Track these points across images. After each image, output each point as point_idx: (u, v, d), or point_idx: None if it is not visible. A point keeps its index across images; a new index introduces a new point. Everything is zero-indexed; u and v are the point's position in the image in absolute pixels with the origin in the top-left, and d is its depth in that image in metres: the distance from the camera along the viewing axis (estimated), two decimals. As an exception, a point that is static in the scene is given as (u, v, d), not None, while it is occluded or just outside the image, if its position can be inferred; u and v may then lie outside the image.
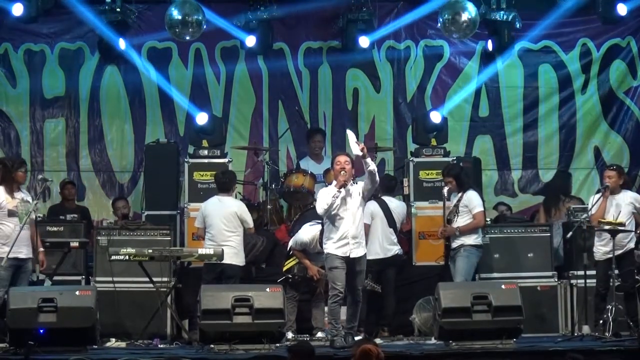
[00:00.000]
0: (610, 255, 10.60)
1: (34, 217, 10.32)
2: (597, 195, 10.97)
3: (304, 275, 11.20)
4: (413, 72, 14.63)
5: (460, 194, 11.27)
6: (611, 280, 10.58)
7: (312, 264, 11.11)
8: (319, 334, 11.17)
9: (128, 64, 14.09)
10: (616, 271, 10.63)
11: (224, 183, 11.51)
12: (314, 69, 14.59)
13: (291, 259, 11.28)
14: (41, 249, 10.41)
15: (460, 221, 11.23)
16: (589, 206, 10.98)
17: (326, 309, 10.62)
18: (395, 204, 12.00)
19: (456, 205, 11.24)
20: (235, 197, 11.97)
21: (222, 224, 11.22)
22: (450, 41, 14.30)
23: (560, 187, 13.43)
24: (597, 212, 10.81)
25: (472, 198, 11.29)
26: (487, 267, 11.67)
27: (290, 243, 11.32)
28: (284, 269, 11.28)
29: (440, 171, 11.99)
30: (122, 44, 13.47)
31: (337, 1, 13.73)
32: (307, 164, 13.12)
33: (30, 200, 10.35)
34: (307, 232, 11.13)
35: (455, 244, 11.20)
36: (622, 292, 10.72)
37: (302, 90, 14.61)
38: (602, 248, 10.80)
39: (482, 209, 11.32)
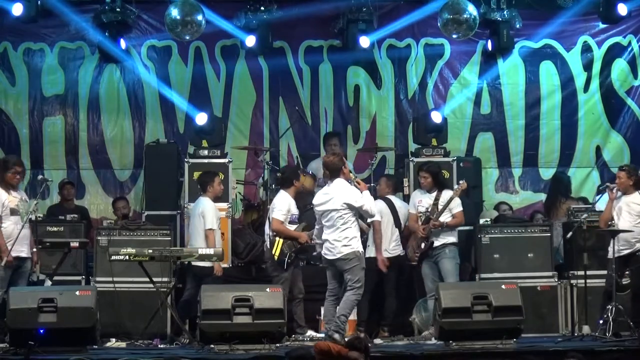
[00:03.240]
0: (618, 255, 10.59)
1: (33, 216, 10.32)
2: (605, 196, 11.04)
3: (296, 249, 11.15)
4: (414, 70, 14.60)
5: (435, 194, 11.26)
6: (614, 280, 10.57)
7: (297, 232, 11.15)
8: (310, 332, 11.11)
9: (128, 63, 14.08)
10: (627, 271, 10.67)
11: (200, 184, 11.62)
12: (314, 66, 14.55)
13: (276, 244, 11.16)
14: (34, 249, 10.44)
15: (441, 219, 11.20)
16: (597, 208, 11.04)
17: (322, 309, 10.65)
18: (400, 204, 12.00)
19: (435, 204, 11.21)
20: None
21: (192, 225, 11.37)
22: (450, 39, 14.26)
23: (558, 189, 13.40)
24: (604, 215, 10.88)
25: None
26: (487, 267, 11.67)
27: (273, 223, 11.20)
28: (276, 255, 11.14)
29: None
30: (122, 44, 13.48)
31: (337, 1, 13.69)
32: (320, 164, 13.04)
33: (28, 200, 10.33)
34: (281, 201, 11.21)
35: (438, 242, 11.17)
36: (627, 290, 10.70)
37: (303, 87, 14.57)
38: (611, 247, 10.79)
39: (462, 208, 11.28)
